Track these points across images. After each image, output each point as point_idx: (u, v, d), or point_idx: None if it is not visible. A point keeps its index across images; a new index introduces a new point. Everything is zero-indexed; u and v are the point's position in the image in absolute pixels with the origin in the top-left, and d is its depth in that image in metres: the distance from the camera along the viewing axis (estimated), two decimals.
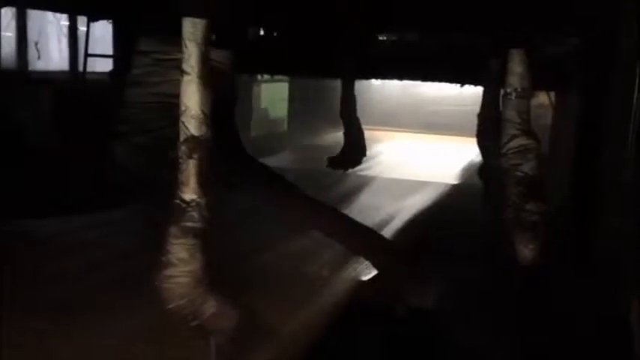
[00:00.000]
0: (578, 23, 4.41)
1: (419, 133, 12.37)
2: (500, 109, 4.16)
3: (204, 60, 2.67)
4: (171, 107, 2.83)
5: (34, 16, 8.15)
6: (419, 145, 11.08)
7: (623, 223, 3.33)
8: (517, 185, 3.43)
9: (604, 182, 3.99)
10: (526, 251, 3.39)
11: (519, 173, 3.43)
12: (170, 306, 2.60)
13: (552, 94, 5.91)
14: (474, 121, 5.56)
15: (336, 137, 8.28)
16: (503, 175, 3.58)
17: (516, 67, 3.40)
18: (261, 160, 5.70)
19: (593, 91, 4.41)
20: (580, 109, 4.72)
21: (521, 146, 3.43)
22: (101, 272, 3.57)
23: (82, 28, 7.47)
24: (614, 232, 3.51)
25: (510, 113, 3.45)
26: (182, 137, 2.66)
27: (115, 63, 6.54)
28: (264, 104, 10.73)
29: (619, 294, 3.18)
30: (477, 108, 5.59)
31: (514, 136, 3.44)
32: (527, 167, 3.43)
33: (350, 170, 7.00)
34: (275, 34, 6.34)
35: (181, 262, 2.60)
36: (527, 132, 3.46)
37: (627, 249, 3.32)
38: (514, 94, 3.42)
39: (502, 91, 3.81)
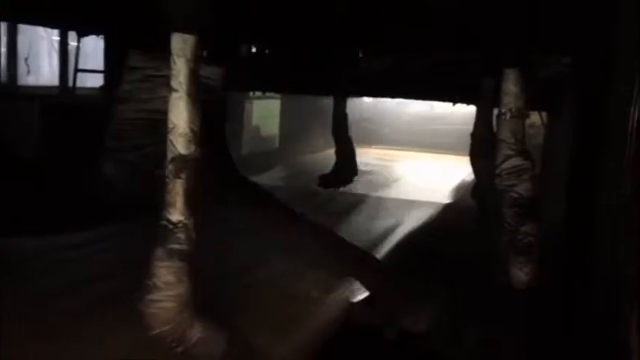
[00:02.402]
0: (571, 43, 4.41)
1: (411, 151, 12.37)
2: (494, 128, 4.15)
3: (194, 77, 2.61)
4: (162, 124, 2.76)
5: (24, 30, 8.10)
6: (411, 163, 11.06)
7: (619, 244, 3.28)
8: (512, 206, 3.38)
9: (599, 202, 3.95)
10: (521, 274, 3.35)
11: (514, 194, 3.39)
12: (154, 332, 2.51)
13: (544, 113, 5.90)
14: (467, 139, 5.55)
15: (327, 155, 8.26)
16: (497, 195, 3.54)
17: (511, 87, 3.37)
18: (252, 177, 5.65)
19: (585, 110, 4.39)
20: (573, 128, 4.70)
21: (515, 167, 3.39)
22: (84, 293, 3.46)
23: (73, 43, 7.44)
24: (611, 254, 3.46)
25: (505, 134, 3.41)
26: (169, 156, 2.59)
27: (106, 78, 6.51)
28: (255, 121, 10.69)
29: (617, 316, 3.12)
30: (469, 127, 5.57)
31: (508, 157, 3.40)
32: (522, 188, 3.39)
33: (341, 189, 6.96)
34: (267, 51, 6.33)
35: (167, 286, 2.52)
36: (522, 152, 3.42)
37: (625, 270, 3.27)
38: (508, 114, 3.39)
39: (496, 111, 3.79)
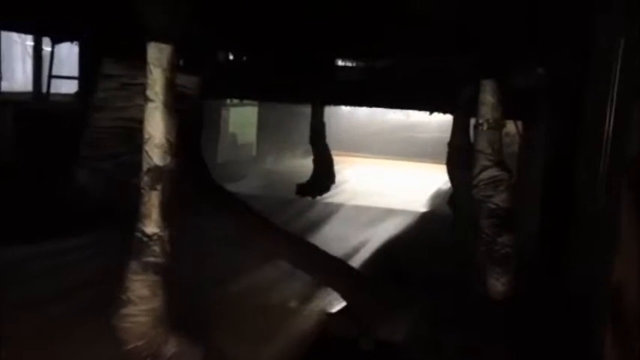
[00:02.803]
0: (547, 54, 4.45)
1: (389, 159, 12.40)
2: (471, 138, 4.16)
3: (170, 87, 2.58)
4: (138, 133, 2.72)
5: None
6: (388, 172, 11.07)
7: (595, 254, 3.30)
8: (489, 217, 3.39)
9: (574, 212, 3.98)
10: (498, 285, 3.35)
11: (491, 205, 3.40)
12: (128, 347, 2.46)
13: (519, 122, 5.95)
14: (444, 148, 5.57)
15: (305, 163, 8.22)
16: (474, 205, 3.54)
17: (488, 98, 3.38)
18: (229, 186, 5.60)
19: (560, 119, 4.43)
20: (547, 138, 4.74)
21: (492, 178, 3.41)
22: (52, 306, 3.38)
23: (47, 49, 7.34)
24: (586, 264, 3.49)
25: (482, 144, 3.43)
26: (145, 167, 2.55)
27: (80, 85, 6.42)
28: (232, 129, 10.62)
29: (593, 328, 3.13)
30: (445, 135, 5.59)
31: (486, 167, 3.41)
32: (499, 199, 3.40)
33: (318, 197, 6.94)
34: (244, 58, 6.30)
35: (141, 300, 2.47)
36: (499, 163, 3.43)
37: (600, 281, 3.29)
38: (486, 125, 3.40)
39: (472, 121, 3.80)
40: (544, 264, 4.30)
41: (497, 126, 3.42)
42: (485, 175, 3.42)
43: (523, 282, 3.55)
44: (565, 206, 4.12)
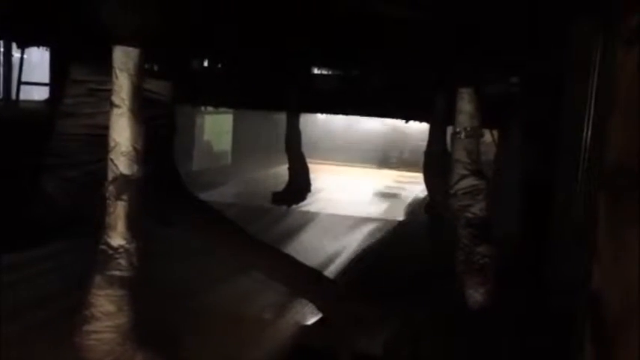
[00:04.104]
0: (521, 62, 4.42)
1: (364, 168, 12.38)
2: (447, 146, 4.12)
3: (137, 92, 2.47)
4: (105, 140, 2.60)
5: None
6: (364, 180, 11.03)
7: (574, 264, 3.25)
8: (467, 227, 3.34)
9: (552, 222, 3.94)
10: (477, 295, 3.29)
11: (469, 214, 3.35)
12: None
13: (494, 131, 5.93)
14: (420, 156, 5.52)
15: (280, 171, 8.13)
16: (452, 214, 3.49)
17: (465, 106, 3.34)
18: (203, 194, 5.49)
19: (537, 127, 4.41)
20: (524, 146, 4.72)
21: (471, 186, 3.36)
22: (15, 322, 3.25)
23: (17, 55, 7.19)
24: (565, 273, 3.44)
25: (460, 153, 3.38)
26: (110, 176, 2.43)
27: (51, 91, 6.28)
28: (206, 136, 10.52)
29: (573, 338, 3.08)
30: (422, 143, 5.54)
31: (464, 177, 3.36)
32: (477, 208, 3.36)
33: (294, 206, 6.85)
34: (219, 65, 6.20)
35: (106, 316, 2.35)
36: (477, 172, 3.39)
37: (580, 291, 3.25)
38: (463, 134, 3.35)
39: (449, 129, 3.75)
40: (521, 273, 4.26)
41: (475, 134, 3.38)
42: (463, 184, 3.37)
43: (501, 292, 3.51)
44: (543, 215, 4.08)
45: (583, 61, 3.37)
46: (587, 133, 3.20)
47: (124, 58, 2.43)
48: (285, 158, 6.49)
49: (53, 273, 4.27)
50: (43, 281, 4.14)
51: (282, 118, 7.06)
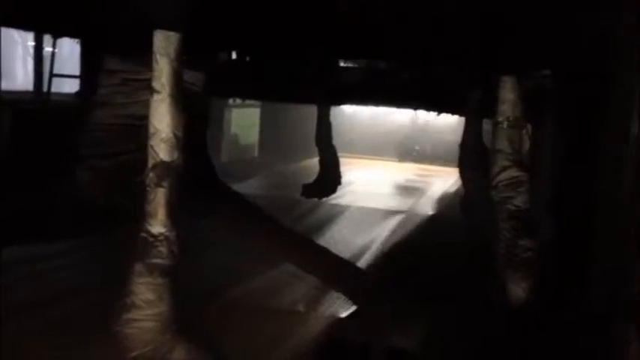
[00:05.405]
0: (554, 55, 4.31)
1: (396, 161, 12.31)
2: (483, 139, 4.02)
3: (177, 78, 2.43)
4: (139, 130, 2.58)
5: None
6: (396, 173, 10.96)
7: (619, 263, 3.15)
8: (509, 219, 3.24)
9: (595, 218, 3.82)
10: (519, 290, 3.20)
11: (511, 207, 3.25)
12: (132, 355, 2.30)
13: (529, 125, 5.81)
14: (452, 149, 5.44)
15: (308, 164, 8.09)
16: (492, 207, 3.40)
17: (508, 95, 3.24)
18: (232, 186, 5.47)
19: (575, 121, 4.29)
20: (562, 139, 4.60)
21: (513, 178, 3.26)
22: (57, 308, 3.25)
23: (48, 49, 7.23)
24: (609, 273, 3.34)
25: (502, 143, 3.28)
26: (150, 163, 2.40)
27: (82, 83, 6.30)
28: (234, 129, 10.55)
29: (616, 340, 2.99)
30: (454, 136, 5.45)
31: (505, 168, 3.27)
32: (520, 200, 3.26)
33: (324, 199, 6.81)
34: (247, 58, 6.17)
35: (147, 305, 2.31)
36: (519, 163, 3.29)
37: (621, 290, 3.15)
38: (506, 123, 3.25)
39: (485, 121, 3.67)
40: (561, 271, 4.15)
41: (518, 124, 3.28)
42: (504, 175, 3.27)
43: (540, 290, 3.41)
44: (583, 211, 3.97)
45: (631, 54, 3.26)
46: (636, 127, 3.08)
47: (164, 43, 2.40)
48: (310, 152, 6.45)
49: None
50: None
51: (307, 111, 7.02)
